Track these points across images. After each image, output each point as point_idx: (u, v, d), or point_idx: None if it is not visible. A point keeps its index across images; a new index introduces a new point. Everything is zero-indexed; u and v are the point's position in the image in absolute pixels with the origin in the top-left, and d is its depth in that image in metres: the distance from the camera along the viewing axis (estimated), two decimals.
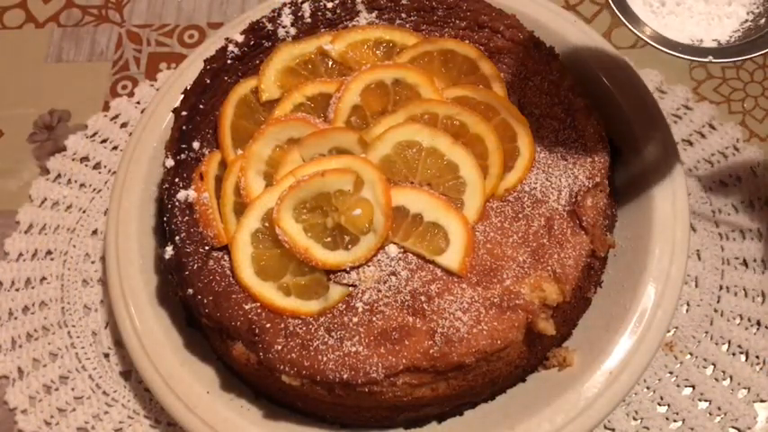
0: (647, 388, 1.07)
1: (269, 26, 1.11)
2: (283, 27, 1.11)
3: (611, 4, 0.89)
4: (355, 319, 0.91)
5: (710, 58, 0.86)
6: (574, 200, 0.96)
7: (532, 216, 0.96)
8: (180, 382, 1.00)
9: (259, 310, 0.93)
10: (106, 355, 1.18)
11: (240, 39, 1.10)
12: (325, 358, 0.88)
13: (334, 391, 0.89)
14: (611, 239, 0.99)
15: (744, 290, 1.12)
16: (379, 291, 0.93)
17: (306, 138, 0.99)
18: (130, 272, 1.08)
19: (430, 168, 0.97)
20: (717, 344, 1.09)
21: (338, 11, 1.12)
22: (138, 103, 1.39)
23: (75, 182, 1.33)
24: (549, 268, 0.92)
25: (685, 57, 0.88)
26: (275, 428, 0.99)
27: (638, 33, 0.88)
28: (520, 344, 0.91)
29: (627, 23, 0.88)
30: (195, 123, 1.07)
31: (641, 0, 0.90)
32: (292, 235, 0.94)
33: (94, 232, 1.28)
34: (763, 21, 0.88)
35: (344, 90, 1.01)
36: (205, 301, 0.95)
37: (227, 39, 1.11)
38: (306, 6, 1.12)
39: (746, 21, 0.89)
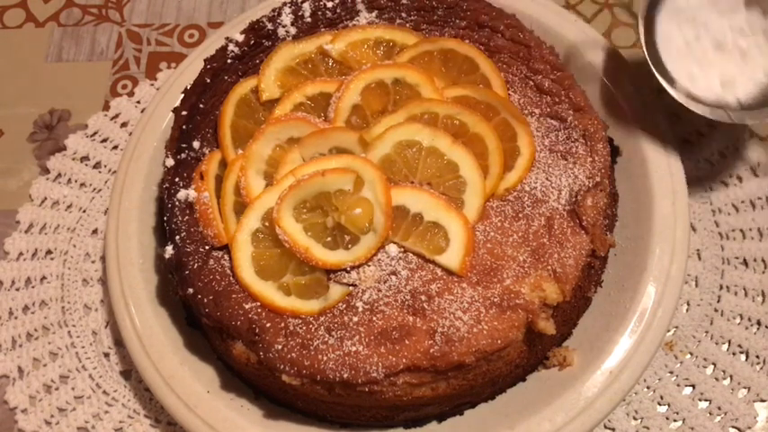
0: (648, 387, 1.07)
1: (269, 25, 1.11)
2: (283, 26, 1.11)
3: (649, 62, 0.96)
4: (355, 319, 0.91)
5: (731, 116, 0.95)
6: (574, 199, 0.96)
7: (532, 216, 0.96)
8: (180, 382, 1.00)
9: (259, 310, 0.93)
10: (106, 355, 1.18)
11: (240, 38, 1.11)
12: (325, 358, 0.88)
13: (335, 390, 0.89)
14: (612, 239, 0.99)
15: (744, 289, 1.12)
16: (380, 290, 0.93)
17: (306, 137, 0.99)
18: (130, 271, 1.08)
19: (430, 168, 0.97)
20: (717, 343, 1.09)
21: (338, 10, 1.12)
22: (139, 102, 1.39)
23: (76, 181, 1.32)
24: (550, 268, 0.92)
25: (708, 116, 0.95)
26: (275, 428, 0.99)
27: (670, 90, 0.97)
28: (520, 343, 0.91)
29: (660, 78, 0.96)
30: (195, 123, 1.07)
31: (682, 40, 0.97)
32: (292, 234, 0.94)
33: (95, 232, 1.28)
34: None
35: (344, 89, 1.01)
36: (205, 300, 0.95)
37: (227, 38, 1.12)
38: (306, 6, 1.12)
39: (764, 83, 0.95)
